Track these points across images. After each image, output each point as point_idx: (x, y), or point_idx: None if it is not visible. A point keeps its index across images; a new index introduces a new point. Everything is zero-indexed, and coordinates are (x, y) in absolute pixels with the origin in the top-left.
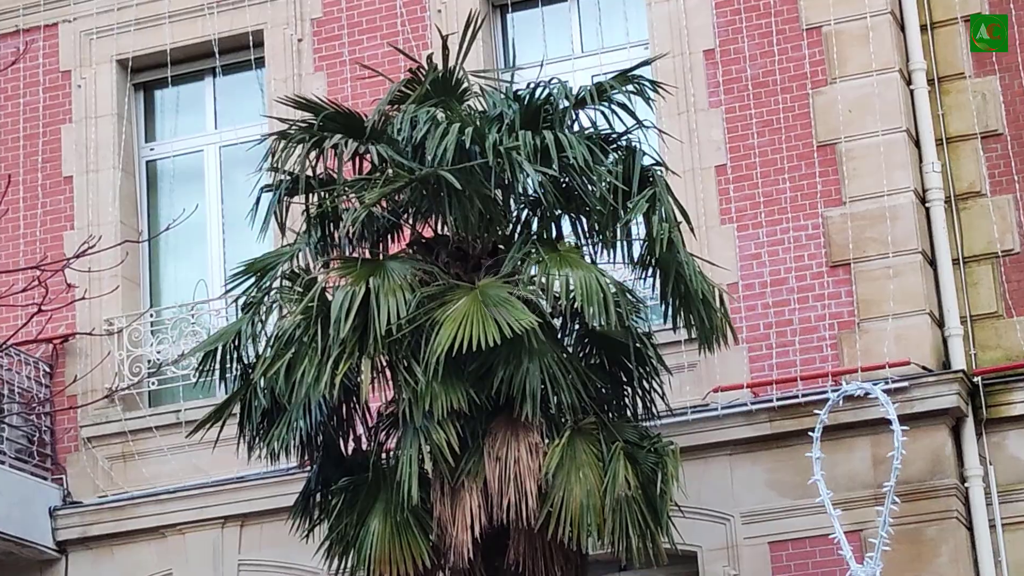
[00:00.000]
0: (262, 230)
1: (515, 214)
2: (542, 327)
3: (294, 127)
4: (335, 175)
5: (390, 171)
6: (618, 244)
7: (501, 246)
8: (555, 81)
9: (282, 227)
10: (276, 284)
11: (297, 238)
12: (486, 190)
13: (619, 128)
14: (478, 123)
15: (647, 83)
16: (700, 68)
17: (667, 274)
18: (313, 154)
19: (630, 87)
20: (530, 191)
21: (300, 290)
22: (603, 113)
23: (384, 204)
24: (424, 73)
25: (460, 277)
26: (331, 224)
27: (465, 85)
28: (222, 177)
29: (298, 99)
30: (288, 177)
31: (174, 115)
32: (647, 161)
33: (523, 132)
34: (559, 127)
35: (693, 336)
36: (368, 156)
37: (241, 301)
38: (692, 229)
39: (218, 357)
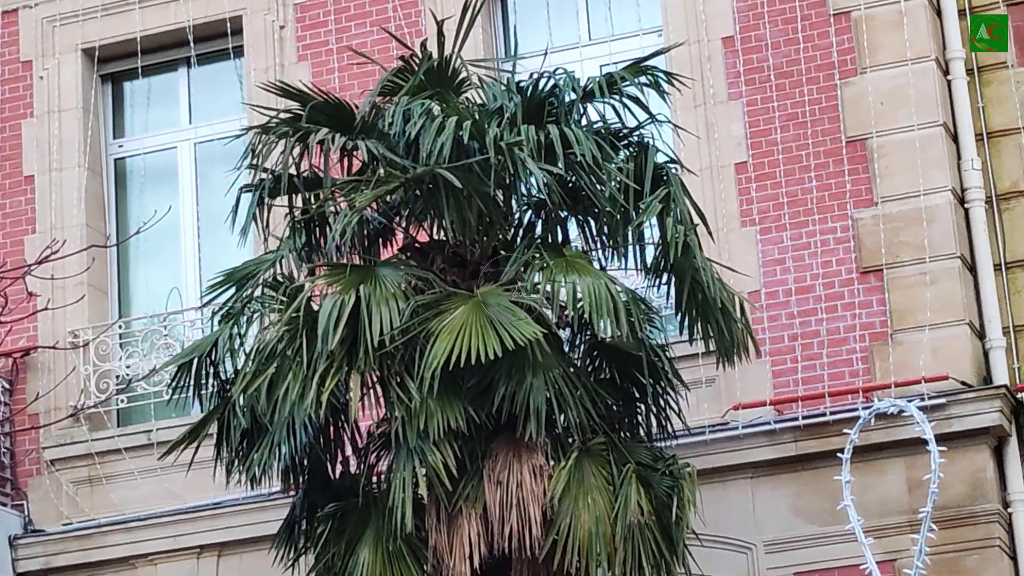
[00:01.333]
0: (242, 234)
1: (517, 216)
2: (547, 339)
3: (276, 119)
4: (321, 173)
5: (382, 170)
6: (629, 249)
7: (502, 251)
8: (560, 71)
9: (264, 231)
10: (257, 292)
11: (281, 243)
12: (486, 188)
13: (630, 123)
14: (476, 117)
15: (661, 74)
16: (719, 57)
17: (683, 281)
18: (297, 150)
19: (642, 78)
20: (533, 191)
21: (284, 299)
22: (613, 106)
23: (376, 206)
24: (418, 62)
25: (457, 285)
26: (317, 227)
27: (462, 75)
28: (197, 176)
29: (282, 85)
30: (270, 176)
31: (145, 109)
32: (661, 158)
33: (526, 127)
34: (565, 121)
35: (711, 349)
36: (357, 153)
37: (219, 311)
38: (710, 232)
39: (193, 371)
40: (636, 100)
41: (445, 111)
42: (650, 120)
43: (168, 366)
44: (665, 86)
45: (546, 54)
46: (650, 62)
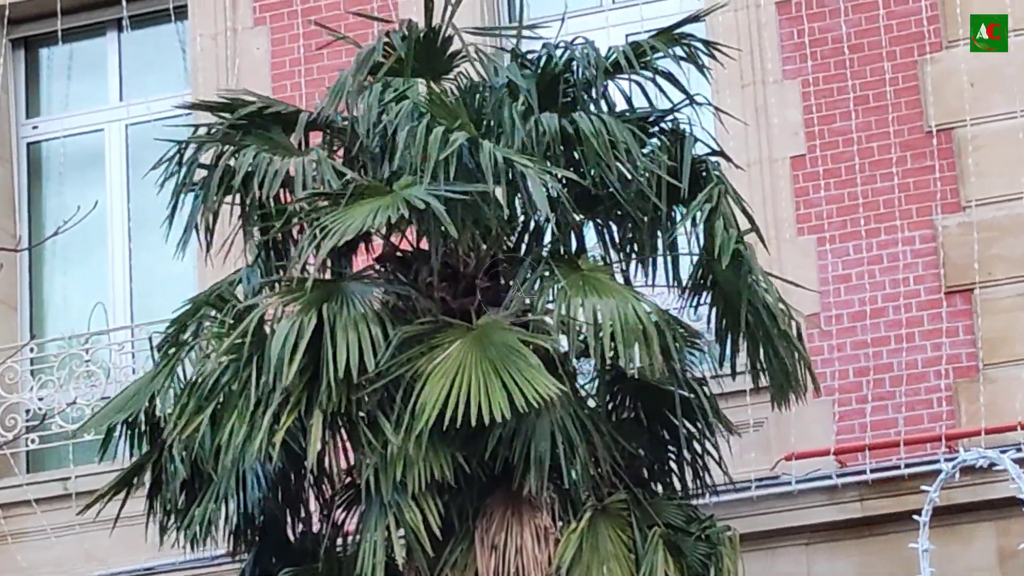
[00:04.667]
0: (181, 242)
1: (522, 220)
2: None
3: (214, 128)
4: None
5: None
6: (660, 261)
7: (504, 263)
8: (581, 41)
9: (206, 237)
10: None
11: (255, 257)
12: (485, 202)
13: (662, 104)
14: (478, 95)
15: (700, 44)
16: (772, 25)
17: (729, 301)
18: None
19: (677, 49)
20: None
21: (230, 322)
22: (640, 84)
23: None
24: (404, 34)
25: (447, 305)
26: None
27: (453, 48)
28: (129, 165)
29: (221, 97)
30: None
31: (65, 82)
32: (700, 149)
33: (547, 116)
34: (582, 103)
35: (762, 384)
36: (336, 151)
37: (155, 338)
38: (763, 240)
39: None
40: (669, 76)
41: (431, 108)
42: (686, 102)
43: (96, 423)
44: (705, 59)
45: (563, 20)
46: (686, 28)
